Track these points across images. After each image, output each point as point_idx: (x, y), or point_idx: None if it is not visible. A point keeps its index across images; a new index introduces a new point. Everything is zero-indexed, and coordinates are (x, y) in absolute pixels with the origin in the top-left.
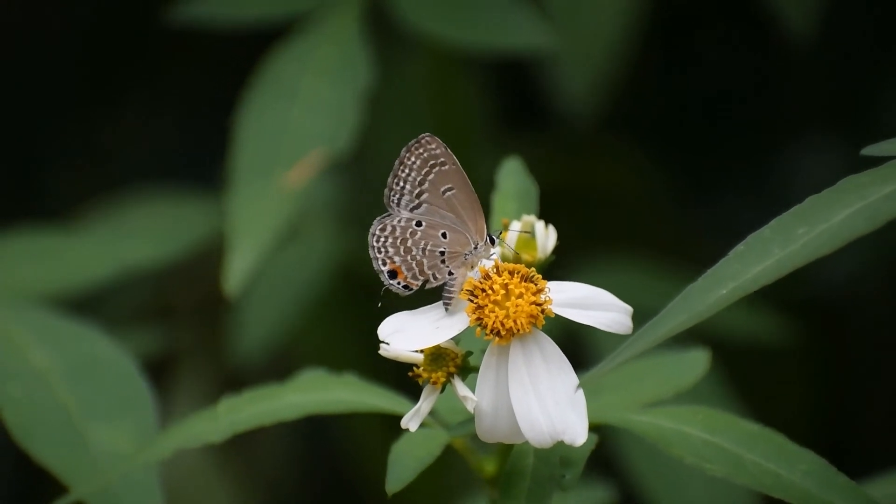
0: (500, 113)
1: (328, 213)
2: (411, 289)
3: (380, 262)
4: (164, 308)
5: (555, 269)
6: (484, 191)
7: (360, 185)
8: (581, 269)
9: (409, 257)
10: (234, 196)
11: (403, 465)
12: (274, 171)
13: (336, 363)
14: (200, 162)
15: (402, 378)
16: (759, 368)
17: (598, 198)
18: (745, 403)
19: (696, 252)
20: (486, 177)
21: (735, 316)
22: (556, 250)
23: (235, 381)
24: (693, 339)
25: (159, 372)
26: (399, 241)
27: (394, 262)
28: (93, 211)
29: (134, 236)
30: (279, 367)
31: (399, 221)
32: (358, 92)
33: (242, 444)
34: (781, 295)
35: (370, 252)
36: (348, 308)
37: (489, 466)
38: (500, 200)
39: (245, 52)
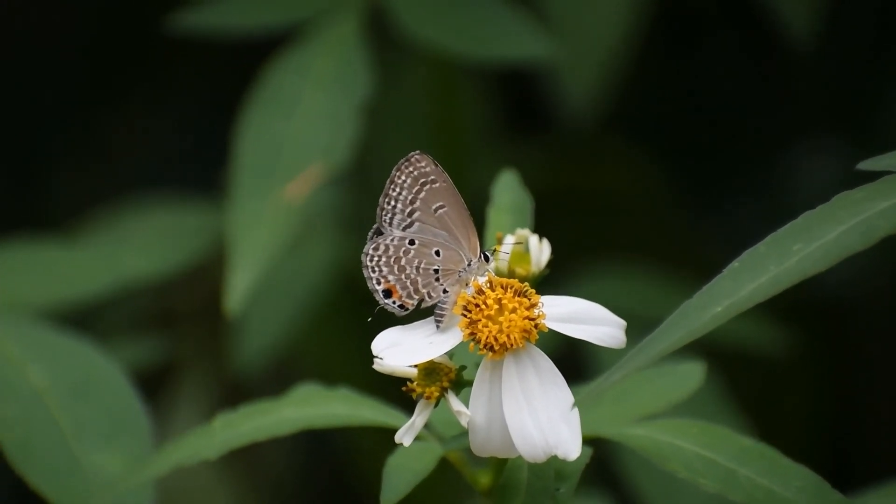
0: (501, 119)
1: (330, 221)
2: (407, 308)
3: (374, 282)
4: (166, 316)
5: (555, 275)
6: (483, 199)
7: (362, 194)
8: (581, 276)
9: (403, 276)
10: (235, 211)
11: (398, 478)
12: (274, 185)
13: (338, 372)
14: (203, 167)
15: (402, 388)
16: (760, 376)
17: (601, 203)
18: (745, 412)
19: (700, 256)
20: (486, 182)
21: (734, 324)
22: (558, 257)
23: (238, 389)
24: (692, 347)
25: (161, 380)
26: (392, 259)
27: (388, 281)
28: (92, 221)
29: (132, 248)
30: (281, 376)
31: (392, 240)
32: (357, 103)
33: (243, 449)
34: (781, 302)
35: (364, 272)
36: (350, 316)
37: (484, 479)
38: (495, 214)
39: (248, 58)
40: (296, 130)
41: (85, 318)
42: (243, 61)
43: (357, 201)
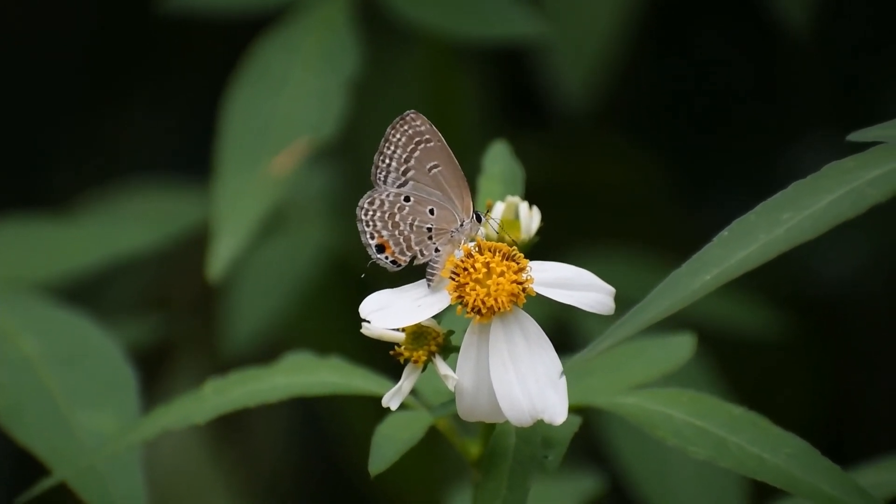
0: (498, 113)
1: (322, 203)
2: (399, 264)
3: (368, 236)
4: (161, 298)
5: (547, 259)
6: (476, 180)
7: (354, 176)
8: (573, 260)
9: (396, 232)
10: (220, 184)
11: (386, 447)
12: (260, 159)
13: (330, 353)
14: (202, 158)
15: (393, 367)
16: (758, 365)
17: (597, 198)
18: (742, 399)
19: (695, 249)
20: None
21: (733, 312)
22: (554, 251)
23: (231, 371)
24: (692, 333)
25: (156, 362)
26: (387, 215)
27: (381, 237)
28: (87, 201)
29: (126, 224)
30: (274, 358)
31: (387, 196)
32: (345, 81)
33: (238, 434)
34: (780, 293)
35: (358, 225)
36: (342, 298)
37: (474, 449)
38: (485, 183)
39: (247, 49)
40: (284, 107)
41: (85, 300)
42: (242, 54)
43: (349, 186)
